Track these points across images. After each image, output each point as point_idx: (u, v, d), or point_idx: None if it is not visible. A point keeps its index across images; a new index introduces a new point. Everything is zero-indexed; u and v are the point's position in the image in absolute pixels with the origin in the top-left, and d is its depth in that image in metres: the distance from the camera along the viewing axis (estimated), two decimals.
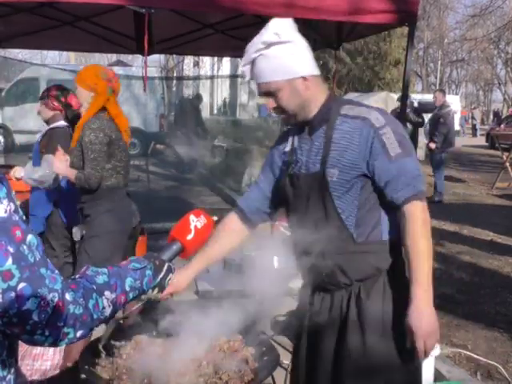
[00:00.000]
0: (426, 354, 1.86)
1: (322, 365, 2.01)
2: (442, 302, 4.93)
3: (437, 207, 9.39)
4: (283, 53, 1.87)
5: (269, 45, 1.86)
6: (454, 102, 22.33)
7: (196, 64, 26.69)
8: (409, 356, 1.88)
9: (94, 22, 5.13)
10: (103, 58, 35.04)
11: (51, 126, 3.99)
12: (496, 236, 7.57)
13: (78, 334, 1.14)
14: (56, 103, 3.98)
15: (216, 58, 23.60)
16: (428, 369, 3.26)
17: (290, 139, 2.06)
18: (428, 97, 19.15)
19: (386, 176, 1.86)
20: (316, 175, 1.93)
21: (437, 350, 3.28)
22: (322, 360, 2.01)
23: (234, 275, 3.24)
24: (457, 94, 43.76)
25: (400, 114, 4.40)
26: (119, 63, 21.09)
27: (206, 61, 25.71)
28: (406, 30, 3.91)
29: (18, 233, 1.08)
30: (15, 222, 1.09)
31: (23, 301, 1.06)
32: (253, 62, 1.90)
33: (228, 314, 1.95)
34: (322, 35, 5.17)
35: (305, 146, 2.00)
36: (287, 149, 2.06)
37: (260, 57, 1.88)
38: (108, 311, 1.22)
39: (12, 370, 1.19)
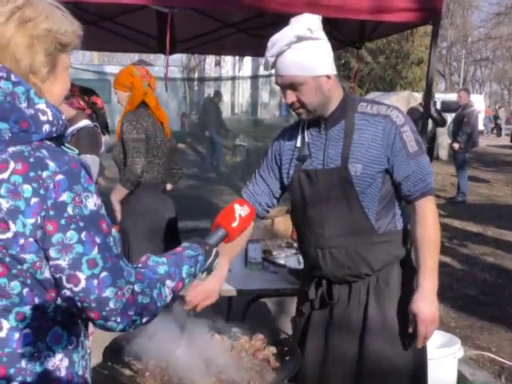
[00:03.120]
0: (426, 340, 2.00)
1: (340, 363, 2.04)
2: (466, 304, 4.88)
3: (460, 207, 9.29)
4: (313, 49, 1.90)
5: (300, 39, 1.88)
6: (478, 102, 22.08)
7: (218, 63, 26.78)
8: (409, 341, 2.01)
9: (117, 21, 5.18)
10: (126, 58, 35.32)
11: (79, 125, 3.99)
12: None
13: (144, 320, 1.22)
14: (81, 102, 4.01)
15: (237, 58, 23.63)
16: (451, 371, 3.23)
17: (300, 134, 2.09)
18: (451, 96, 18.97)
19: (405, 171, 1.98)
20: (336, 170, 1.98)
21: (460, 352, 3.25)
22: (339, 357, 2.03)
23: (255, 274, 3.24)
24: (481, 93, 43.25)
25: (424, 113, 4.36)
26: (141, 63, 21.20)
27: (228, 60, 25.79)
28: (428, 28, 3.88)
29: (105, 226, 1.17)
30: (103, 215, 1.18)
31: (103, 288, 1.14)
32: (280, 54, 1.91)
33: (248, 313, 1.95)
34: (344, 34, 5.14)
35: (319, 141, 2.03)
36: (298, 144, 2.08)
37: (290, 49, 1.89)
38: (169, 298, 1.29)
39: (88, 350, 1.31)
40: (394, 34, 8.25)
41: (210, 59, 26.15)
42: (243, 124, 19.64)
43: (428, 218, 2.00)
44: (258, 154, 12.46)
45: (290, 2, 3.48)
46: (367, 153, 1.96)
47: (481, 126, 21.37)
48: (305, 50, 1.89)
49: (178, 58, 18.59)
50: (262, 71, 25.99)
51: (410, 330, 1.99)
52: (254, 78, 24.93)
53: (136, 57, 23.53)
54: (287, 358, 1.92)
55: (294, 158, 2.09)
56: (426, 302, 1.95)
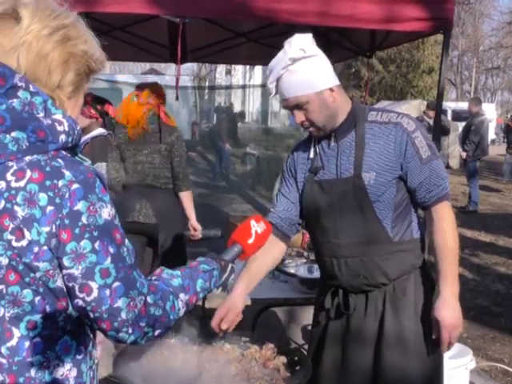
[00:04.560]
0: (450, 346, 1.99)
1: (357, 375, 2.02)
2: (478, 314, 4.83)
3: (471, 217, 9.23)
4: (310, 67, 1.93)
5: (295, 60, 1.91)
6: (490, 110, 21.97)
7: (228, 72, 26.89)
8: (434, 347, 2.01)
9: (129, 31, 5.21)
10: (137, 67, 35.59)
11: (93, 134, 4.01)
12: None
13: (156, 332, 1.22)
14: (93, 111, 4.04)
15: (248, 67, 23.72)
16: (463, 382, 3.20)
17: (313, 146, 2.10)
18: (462, 105, 18.90)
19: (419, 177, 1.97)
20: (350, 180, 1.98)
21: (472, 363, 3.21)
22: (356, 369, 2.02)
23: (266, 283, 3.23)
24: (492, 102, 43.04)
25: (435, 122, 4.35)
26: (152, 72, 21.38)
27: (238, 69, 25.89)
28: (439, 37, 3.86)
29: (118, 236, 1.17)
30: (116, 225, 1.18)
31: (115, 298, 1.14)
32: (279, 79, 1.95)
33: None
34: (355, 43, 5.15)
35: (331, 152, 2.04)
36: (311, 155, 2.10)
37: (287, 72, 1.92)
38: (182, 311, 1.29)
39: (96, 361, 1.31)
40: (405, 43, 8.25)
41: (221, 68, 26.26)
42: (253, 133, 19.67)
43: (445, 224, 1.99)
44: (268, 163, 12.48)
45: (301, 11, 3.49)
46: (380, 161, 1.96)
47: (492, 135, 21.26)
48: (302, 69, 1.92)
49: (189, 67, 18.66)
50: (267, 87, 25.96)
51: (434, 337, 1.98)
52: (265, 86, 24.99)
53: (147, 66, 23.68)
54: (297, 367, 1.92)
55: (307, 170, 2.10)
56: (449, 308, 1.94)
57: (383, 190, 1.96)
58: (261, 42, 5.55)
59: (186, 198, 4.03)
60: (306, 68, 1.93)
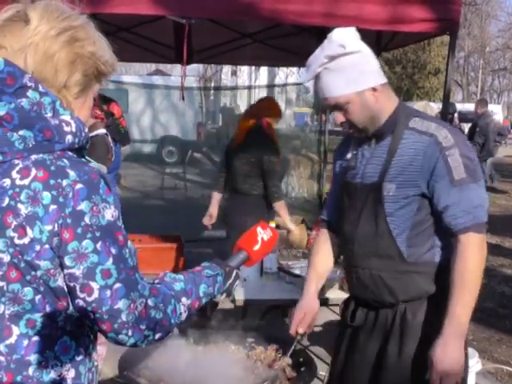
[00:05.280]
0: None
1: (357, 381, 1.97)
2: (484, 316, 4.80)
3: None
4: (350, 64, 1.79)
5: (333, 58, 1.79)
6: (496, 112, 21.91)
7: (234, 73, 26.89)
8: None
9: (134, 32, 5.23)
10: (143, 68, 35.65)
11: (91, 134, 4.02)
12: None
13: (157, 336, 1.22)
14: (98, 111, 4.05)
15: (253, 67, 23.72)
16: None
17: (353, 144, 1.99)
18: (469, 106, 18.85)
19: (446, 200, 1.76)
20: (372, 187, 1.87)
21: (478, 365, 3.20)
22: (358, 379, 1.97)
23: (270, 284, 3.23)
24: (499, 103, 42.89)
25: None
26: (158, 72, 21.45)
27: (244, 70, 25.88)
28: (445, 38, 3.86)
29: (121, 237, 1.17)
30: (119, 227, 1.18)
31: (116, 300, 1.14)
32: (317, 77, 1.83)
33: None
34: None
35: (366, 154, 1.92)
36: (349, 155, 1.99)
37: (325, 71, 1.81)
38: (184, 316, 1.29)
39: (95, 363, 1.31)
40: (411, 44, 8.24)
41: (227, 69, 26.26)
42: None
43: (467, 258, 1.75)
44: None
45: (306, 12, 3.48)
46: (403, 173, 1.80)
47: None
48: (341, 67, 1.79)
49: (195, 67, 18.69)
50: (277, 81, 26.11)
51: (427, 377, 1.77)
52: (270, 87, 24.97)
53: (153, 67, 23.73)
54: (302, 368, 1.92)
55: (342, 168, 2.02)
56: (446, 352, 1.72)
57: (401, 205, 1.81)
58: (266, 43, 5.56)
59: None
60: (345, 66, 1.79)
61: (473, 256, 1.76)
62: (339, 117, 1.87)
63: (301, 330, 1.98)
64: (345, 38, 1.80)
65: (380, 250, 1.86)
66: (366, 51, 1.84)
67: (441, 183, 1.76)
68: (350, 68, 1.79)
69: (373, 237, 1.87)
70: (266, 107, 4.30)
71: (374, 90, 1.82)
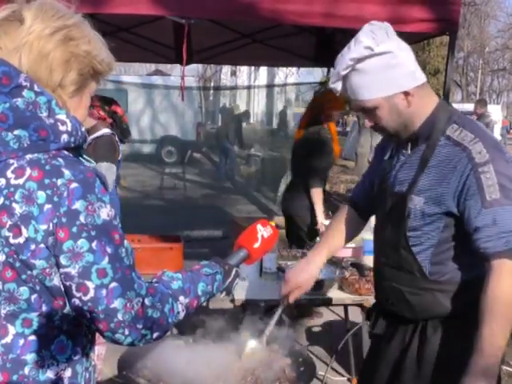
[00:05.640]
0: None
1: None
2: None
3: None
4: (378, 67, 1.65)
5: (359, 60, 1.66)
6: (495, 112, 21.90)
7: (233, 73, 26.88)
8: None
9: (134, 32, 5.22)
10: (142, 68, 35.65)
11: (97, 134, 4.01)
12: None
13: (155, 335, 1.21)
14: (102, 112, 4.03)
15: (253, 68, 23.72)
16: None
17: (392, 146, 1.86)
18: (468, 106, 18.85)
19: (477, 222, 1.60)
20: (399, 196, 1.75)
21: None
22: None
23: (270, 284, 3.23)
24: (498, 103, 42.90)
25: None
26: (158, 73, 21.43)
27: (244, 70, 25.88)
28: (445, 38, 3.87)
29: (117, 236, 1.17)
30: (115, 226, 1.18)
31: (112, 299, 1.14)
32: (345, 77, 1.71)
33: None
34: None
35: (402, 158, 1.79)
36: (387, 156, 1.87)
37: (352, 72, 1.68)
38: (182, 315, 1.28)
39: (93, 363, 1.30)
40: (411, 44, 8.22)
41: (226, 69, 26.26)
42: (258, 134, 19.65)
43: (497, 287, 1.58)
44: (273, 164, 12.48)
45: (306, 12, 3.48)
46: (433, 188, 1.67)
47: (497, 137, 21.16)
48: (368, 69, 1.66)
49: (194, 67, 18.69)
50: (277, 81, 26.11)
51: None
52: (270, 87, 24.96)
53: (153, 67, 23.73)
54: (302, 368, 1.91)
55: (380, 165, 1.91)
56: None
57: (426, 221, 1.69)
58: (266, 43, 5.56)
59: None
60: (373, 69, 1.65)
61: (503, 286, 1.58)
62: (368, 120, 1.76)
63: (291, 300, 1.94)
64: (373, 37, 1.65)
65: (401, 264, 1.76)
66: (399, 51, 1.68)
67: (471, 202, 1.61)
68: (377, 71, 1.65)
69: (395, 248, 1.77)
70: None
71: (407, 93, 1.68)
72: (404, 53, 1.70)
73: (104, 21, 4.74)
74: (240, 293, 3.12)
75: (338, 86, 1.74)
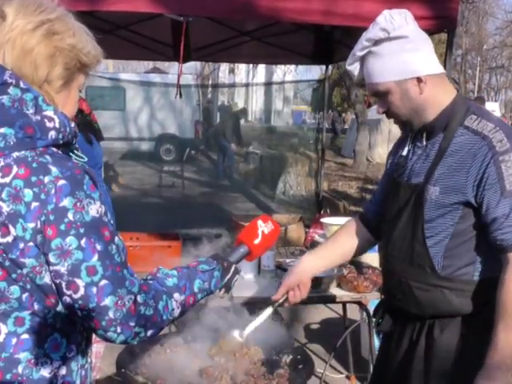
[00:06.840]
0: None
1: None
2: None
3: None
4: (392, 51, 1.66)
5: (375, 42, 1.68)
6: (493, 109, 21.93)
7: (231, 71, 26.87)
8: None
9: (132, 30, 5.22)
10: (140, 66, 35.58)
11: None
12: None
13: (149, 333, 1.20)
14: None
15: (251, 65, 23.71)
16: None
17: (409, 141, 1.83)
18: None
19: (495, 212, 1.57)
20: (415, 187, 1.72)
21: None
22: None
23: (268, 282, 3.23)
24: (496, 100, 42.92)
25: None
26: (156, 70, 21.39)
27: (242, 68, 25.87)
28: (443, 36, 3.86)
29: (107, 233, 1.16)
30: (105, 222, 1.17)
31: (103, 297, 1.12)
32: (362, 60, 1.72)
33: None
34: None
35: (417, 151, 1.77)
36: (404, 152, 1.83)
37: (369, 54, 1.70)
38: (177, 312, 1.26)
39: (89, 360, 1.30)
40: None
41: (224, 67, 26.25)
42: (256, 131, 19.65)
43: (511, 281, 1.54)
44: (271, 162, 12.49)
45: (305, 10, 3.49)
46: (450, 177, 1.63)
47: None
48: (383, 52, 1.66)
49: (192, 65, 18.65)
50: (275, 78, 26.10)
51: None
52: (268, 85, 24.96)
53: (151, 64, 23.69)
54: (300, 366, 1.92)
55: (393, 165, 1.88)
56: (487, 382, 1.53)
57: (442, 212, 1.65)
58: (264, 41, 5.56)
59: None
60: (387, 52, 1.65)
61: None
62: (380, 106, 1.75)
63: (286, 304, 1.93)
64: (391, 21, 1.66)
65: (412, 257, 1.72)
66: (415, 37, 1.68)
67: (489, 192, 1.57)
68: (391, 55, 1.66)
69: (408, 241, 1.73)
70: None
71: (420, 80, 1.66)
72: (420, 40, 1.69)
73: (102, 18, 4.73)
74: (238, 291, 3.12)
75: (354, 69, 1.75)
